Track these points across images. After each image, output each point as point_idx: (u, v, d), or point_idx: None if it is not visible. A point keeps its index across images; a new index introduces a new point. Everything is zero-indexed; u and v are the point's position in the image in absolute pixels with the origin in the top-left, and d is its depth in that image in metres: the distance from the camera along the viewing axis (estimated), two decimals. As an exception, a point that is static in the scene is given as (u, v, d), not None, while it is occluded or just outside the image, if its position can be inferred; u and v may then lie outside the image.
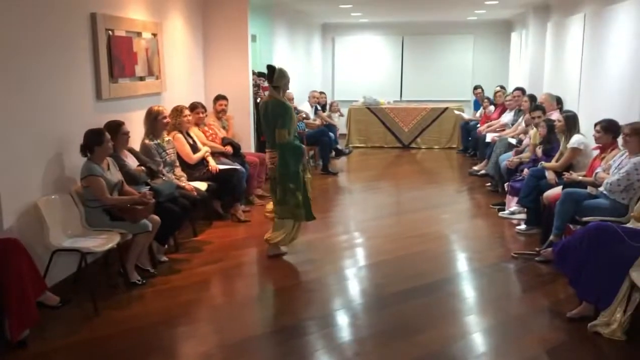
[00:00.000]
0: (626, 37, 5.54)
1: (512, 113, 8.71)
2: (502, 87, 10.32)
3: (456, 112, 11.46)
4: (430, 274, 4.87)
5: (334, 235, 6.10)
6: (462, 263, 5.26)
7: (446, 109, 11.77)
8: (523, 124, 7.71)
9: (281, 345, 3.64)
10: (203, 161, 6.14)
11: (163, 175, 5.22)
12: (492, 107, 10.22)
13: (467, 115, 11.48)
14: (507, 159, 6.95)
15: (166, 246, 5.20)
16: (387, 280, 4.75)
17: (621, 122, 4.93)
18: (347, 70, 13.80)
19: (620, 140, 4.85)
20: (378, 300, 4.37)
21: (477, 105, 11.41)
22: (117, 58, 5.21)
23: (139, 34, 5.66)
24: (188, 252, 5.39)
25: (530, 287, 4.62)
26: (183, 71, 6.94)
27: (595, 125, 5.15)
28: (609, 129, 5.03)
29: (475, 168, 9.02)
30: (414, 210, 7.04)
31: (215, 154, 6.43)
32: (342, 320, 4.04)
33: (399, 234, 6.15)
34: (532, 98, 7.77)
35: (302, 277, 4.80)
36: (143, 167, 4.95)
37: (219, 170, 6.13)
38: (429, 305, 4.25)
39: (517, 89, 8.64)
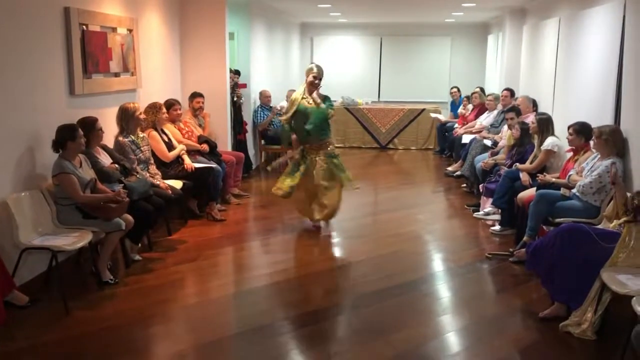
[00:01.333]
0: (599, 41, 5.63)
1: (494, 114, 8.69)
2: (481, 89, 10.40)
3: (432, 115, 11.55)
4: (406, 273, 4.89)
5: (309, 234, 6.07)
6: (437, 263, 5.30)
7: (423, 110, 11.85)
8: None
9: (257, 344, 3.62)
10: (178, 159, 6.09)
11: (137, 173, 5.16)
12: (470, 106, 10.30)
13: (444, 117, 11.58)
14: (483, 160, 7.02)
15: (140, 245, 5.14)
16: (363, 279, 4.76)
17: (594, 125, 5.02)
18: (325, 70, 13.78)
19: (592, 142, 4.93)
20: (354, 299, 4.37)
21: (453, 106, 11.51)
22: (91, 53, 5.13)
23: (114, 30, 5.58)
24: (162, 251, 5.33)
25: (504, 288, 4.67)
26: (159, 68, 6.86)
27: (569, 127, 5.24)
28: (581, 132, 5.12)
29: (450, 169, 9.09)
30: (391, 211, 7.07)
31: (191, 152, 6.38)
32: (318, 319, 4.03)
33: (376, 234, 6.16)
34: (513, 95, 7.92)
35: (278, 277, 4.78)
36: (117, 165, 4.88)
37: (195, 168, 6.08)
38: (404, 305, 4.26)
39: (507, 89, 8.48)
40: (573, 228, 3.94)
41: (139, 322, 3.91)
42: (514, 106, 7.16)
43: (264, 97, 9.10)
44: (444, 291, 4.60)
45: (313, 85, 5.85)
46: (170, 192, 5.39)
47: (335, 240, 6.00)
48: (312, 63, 6.14)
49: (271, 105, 9.18)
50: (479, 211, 6.66)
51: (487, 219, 6.45)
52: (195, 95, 7.04)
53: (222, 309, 4.27)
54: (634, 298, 3.15)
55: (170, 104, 6.45)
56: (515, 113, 6.88)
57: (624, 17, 4.95)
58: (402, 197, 7.83)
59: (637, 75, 4.66)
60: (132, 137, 5.35)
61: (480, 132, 8.62)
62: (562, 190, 4.98)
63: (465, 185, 8.08)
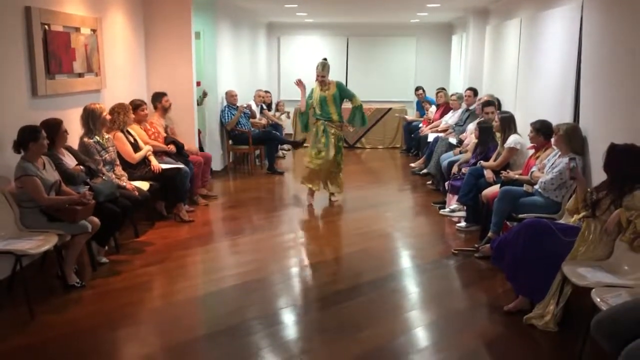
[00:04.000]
0: (558, 42, 5.78)
1: (458, 114, 8.82)
2: (443, 89, 10.56)
3: (396, 115, 11.68)
4: (374, 271, 4.94)
5: (279, 235, 6.09)
6: (404, 260, 5.37)
7: (390, 109, 11.97)
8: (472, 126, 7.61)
9: (226, 345, 3.62)
10: (145, 160, 6.02)
11: (103, 174, 5.10)
12: (433, 108, 10.44)
13: (410, 115, 11.71)
14: (448, 158, 7.13)
15: (106, 247, 5.07)
16: (331, 278, 4.79)
17: (554, 123, 5.15)
18: (292, 70, 13.78)
19: (553, 140, 5.06)
20: (323, 298, 4.40)
21: (419, 105, 11.65)
22: (54, 54, 5.03)
23: (77, 30, 5.48)
24: (129, 253, 5.27)
25: (470, 283, 4.76)
26: (124, 68, 6.77)
27: (530, 125, 5.36)
28: (541, 130, 5.25)
29: (413, 165, 9.24)
30: (359, 209, 7.13)
31: (158, 153, 6.32)
32: (287, 318, 4.05)
33: (344, 233, 6.21)
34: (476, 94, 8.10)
35: (247, 277, 4.78)
36: (82, 166, 4.81)
37: (162, 169, 6.03)
38: (372, 302, 4.31)
39: (470, 89, 8.62)
40: (535, 223, 4.04)
41: (106, 325, 3.86)
42: (490, 100, 7.26)
43: (230, 96, 9.07)
44: (412, 287, 4.67)
45: (320, 80, 7.09)
46: (137, 193, 5.33)
47: (305, 239, 6.02)
48: (323, 59, 7.34)
49: (238, 104, 9.14)
50: (445, 208, 6.77)
51: (452, 216, 6.55)
52: (162, 95, 6.96)
53: (191, 310, 4.25)
54: (593, 290, 3.25)
55: (137, 105, 6.38)
56: (494, 107, 7.00)
57: (581, 18, 5.09)
58: (370, 195, 7.90)
59: (594, 75, 4.81)
60: (97, 138, 5.28)
61: (446, 130, 8.76)
62: (525, 187, 5.09)
63: (431, 182, 8.19)
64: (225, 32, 9.42)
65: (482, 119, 7.05)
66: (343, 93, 7.12)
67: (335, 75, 15.55)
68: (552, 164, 4.87)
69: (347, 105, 7.28)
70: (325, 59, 7.25)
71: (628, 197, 3.54)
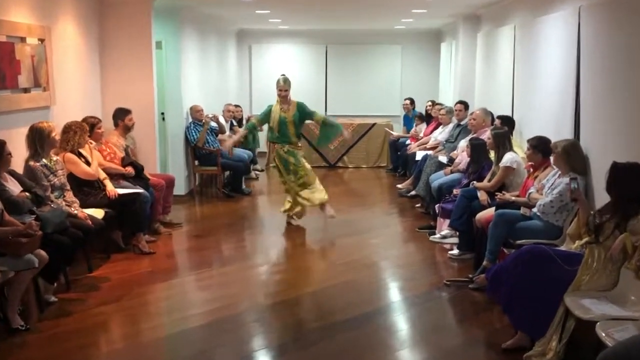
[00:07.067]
0: (556, 50, 5.89)
1: (448, 129, 8.90)
2: (433, 102, 10.68)
3: (386, 129, 11.77)
4: (359, 305, 4.94)
5: (252, 267, 6.07)
6: (392, 293, 5.38)
7: (374, 124, 12.07)
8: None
9: (192, 393, 3.58)
10: (99, 185, 5.98)
11: (51, 201, 5.05)
12: (422, 126, 10.49)
13: (397, 131, 11.80)
14: (438, 178, 7.20)
15: (56, 285, 5.00)
16: (312, 314, 4.79)
17: (553, 139, 5.23)
18: (265, 82, 13.77)
19: (552, 158, 5.13)
20: (301, 337, 4.38)
21: (407, 120, 11.74)
22: (-4, 66, 5.01)
23: (22, 39, 5.47)
24: (82, 290, 5.20)
25: (464, 317, 4.79)
26: (76, 82, 6.75)
27: (527, 142, 5.44)
28: (538, 147, 5.32)
29: (400, 186, 9.27)
30: (341, 236, 7.14)
31: (114, 177, 6.28)
32: (261, 362, 4.03)
33: (325, 263, 6.21)
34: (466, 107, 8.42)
35: (216, 316, 4.74)
36: (27, 193, 4.76)
37: (119, 194, 5.98)
38: (358, 340, 4.31)
39: (460, 102, 8.71)
40: (534, 250, 4.09)
41: (55, 373, 3.79)
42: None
43: (195, 112, 9.00)
44: (401, 323, 4.68)
45: (282, 97, 7.22)
46: (90, 222, 5.28)
47: (281, 271, 6.00)
48: (280, 75, 7.49)
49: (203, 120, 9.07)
50: (434, 234, 6.81)
51: (444, 243, 6.59)
52: (126, 112, 6.92)
53: (153, 354, 4.20)
54: (598, 324, 3.29)
55: (93, 123, 6.34)
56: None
57: (579, 24, 5.21)
58: (354, 220, 7.92)
59: (594, 88, 4.90)
60: (45, 160, 5.23)
61: (435, 148, 8.84)
62: (522, 210, 5.16)
63: (420, 205, 8.25)
64: (190, 41, 9.46)
65: (474, 135, 7.14)
66: (303, 114, 7.31)
67: (313, 87, 15.63)
68: (552, 184, 4.95)
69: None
70: (283, 75, 7.52)
71: (633, 221, 3.61)
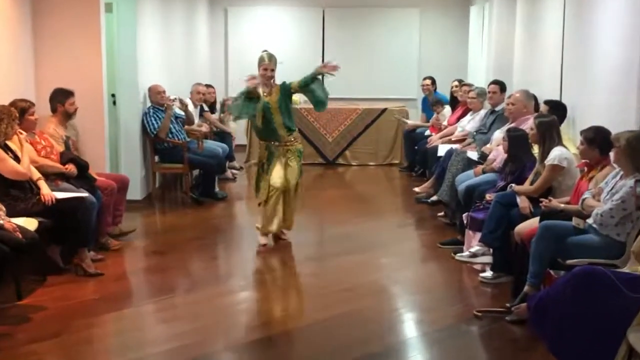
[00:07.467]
0: (619, 13, 5.85)
1: (480, 116, 8.89)
2: (460, 81, 10.68)
3: (395, 117, 11.78)
4: (367, 342, 4.94)
5: (227, 293, 6.06)
6: (408, 327, 5.39)
7: (384, 110, 12.06)
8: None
9: None
10: (32, 187, 5.96)
11: (-31, 209, 5.04)
12: (446, 110, 10.51)
13: (413, 119, 11.80)
14: (466, 180, 7.19)
15: (-25, 315, 5.00)
16: (305, 355, 4.78)
17: (614, 130, 5.21)
18: (245, 56, 13.79)
19: (612, 154, 5.13)
20: (291, 384, 4.39)
21: (426, 104, 11.72)
22: None
23: None
24: (9, 323, 5.20)
25: (500, 357, 4.79)
26: (1, 58, 6.73)
27: (580, 134, 5.44)
28: (594, 141, 5.31)
29: (417, 189, 9.24)
30: (343, 254, 7.13)
31: (51, 177, 6.27)
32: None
33: (322, 288, 6.19)
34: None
35: (181, 355, 4.74)
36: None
37: (57, 199, 5.98)
38: (362, 389, 4.32)
39: (495, 82, 8.72)
40: (589, 273, 4.09)
41: None
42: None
43: (156, 93, 8.96)
44: (417, 366, 4.69)
45: (266, 78, 7.06)
46: (19, 235, 5.27)
47: (265, 299, 5.99)
48: (263, 51, 7.29)
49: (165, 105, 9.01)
50: (462, 251, 6.81)
51: (474, 262, 6.59)
52: (67, 94, 6.91)
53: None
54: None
55: (24, 108, 6.31)
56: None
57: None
58: (359, 233, 7.92)
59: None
60: (-38, 156, 5.23)
61: (463, 140, 8.84)
62: (575, 221, 5.15)
63: (443, 214, 8.26)
64: (149, 2, 9.45)
65: (512, 124, 7.14)
66: (286, 94, 7.15)
67: (306, 63, 15.60)
68: (612, 188, 4.94)
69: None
70: (266, 50, 7.38)
71: None
